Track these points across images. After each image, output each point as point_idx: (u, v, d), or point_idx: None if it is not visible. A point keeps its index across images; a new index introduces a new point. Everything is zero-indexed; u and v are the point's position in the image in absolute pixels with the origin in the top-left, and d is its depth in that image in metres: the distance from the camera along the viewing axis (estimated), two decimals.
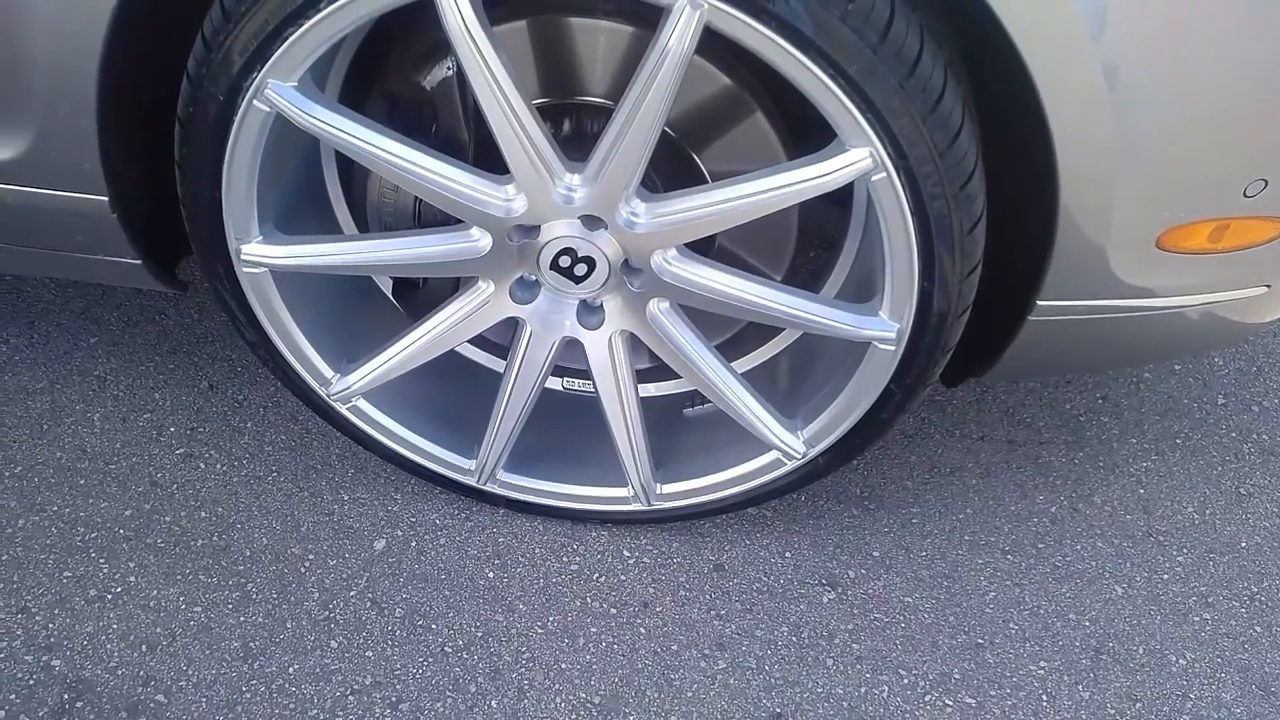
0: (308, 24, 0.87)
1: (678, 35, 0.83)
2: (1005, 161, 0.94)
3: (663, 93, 0.87)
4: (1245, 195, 0.93)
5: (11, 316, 1.39)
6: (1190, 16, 0.81)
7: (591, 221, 0.99)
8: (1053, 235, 0.95)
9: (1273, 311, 1.13)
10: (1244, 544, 1.25)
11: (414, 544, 1.18)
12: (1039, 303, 1.01)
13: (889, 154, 0.87)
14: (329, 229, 1.19)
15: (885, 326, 0.98)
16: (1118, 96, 0.85)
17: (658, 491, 1.16)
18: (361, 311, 1.23)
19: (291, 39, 0.88)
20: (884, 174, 0.88)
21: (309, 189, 1.15)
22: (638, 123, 0.89)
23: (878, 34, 0.81)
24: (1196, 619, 1.16)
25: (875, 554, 1.21)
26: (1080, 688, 1.09)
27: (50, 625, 1.07)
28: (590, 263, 1.01)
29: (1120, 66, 0.84)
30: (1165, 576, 1.20)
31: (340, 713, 1.02)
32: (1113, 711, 1.07)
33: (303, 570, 1.14)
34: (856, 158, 0.88)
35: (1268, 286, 1.05)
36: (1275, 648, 1.14)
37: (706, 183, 1.09)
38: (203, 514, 1.19)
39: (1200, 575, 1.20)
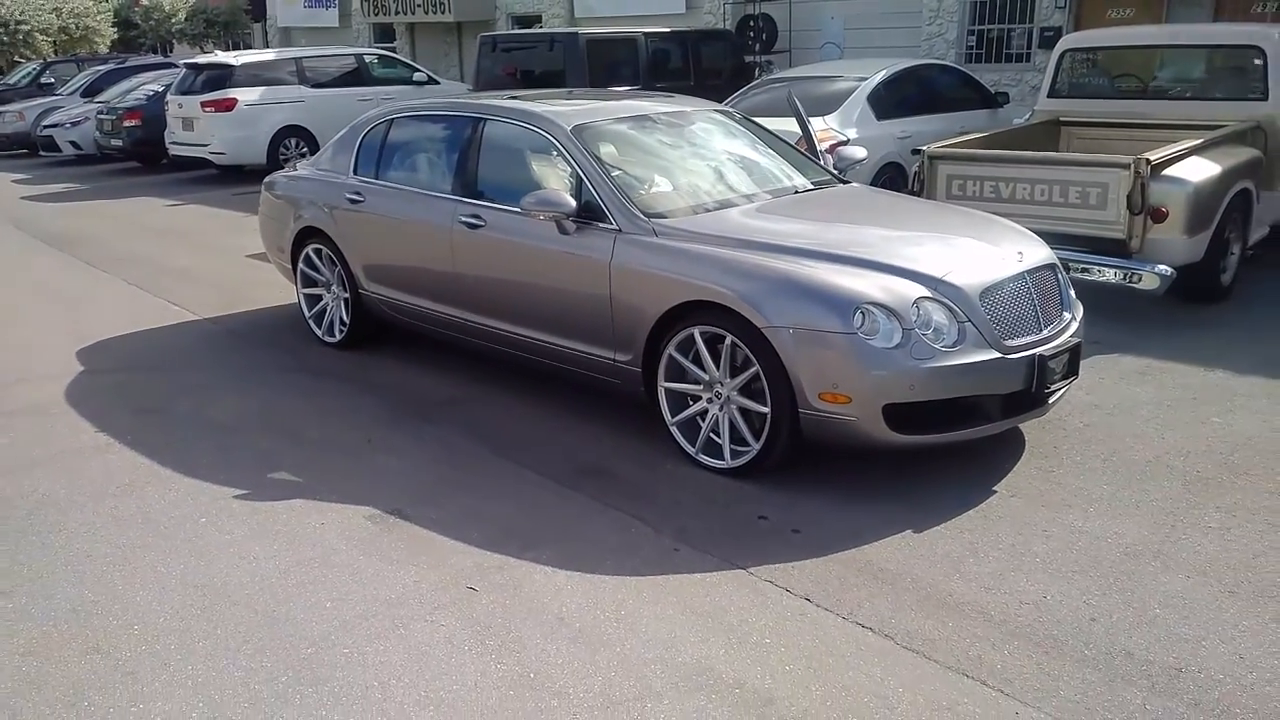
0: (672, 340, 4.68)
1: (728, 345, 4.49)
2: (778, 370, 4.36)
3: (728, 358, 4.53)
4: (834, 385, 4.26)
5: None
6: None
7: (722, 383, 4.61)
8: (790, 390, 4.34)
9: (869, 435, 4.29)
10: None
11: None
12: (800, 409, 4.36)
13: (763, 372, 4.41)
14: (681, 380, 4.83)
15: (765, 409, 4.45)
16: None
17: (707, 458, 4.64)
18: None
19: (670, 341, 4.68)
20: (761, 379, 4.41)
21: (683, 372, 4.86)
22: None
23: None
24: None
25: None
26: None
27: None
28: (720, 394, 4.63)
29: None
30: None
31: None
32: None
33: None
34: (754, 374, 4.43)
35: (855, 419, 4.27)
36: None
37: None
38: None
39: None
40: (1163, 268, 6.42)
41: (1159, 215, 6.45)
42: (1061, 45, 8.68)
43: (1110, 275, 6.56)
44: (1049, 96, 8.69)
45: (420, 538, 4.11)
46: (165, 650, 3.37)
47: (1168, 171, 6.52)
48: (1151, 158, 6.42)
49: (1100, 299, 6.95)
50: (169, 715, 3.05)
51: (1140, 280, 6.47)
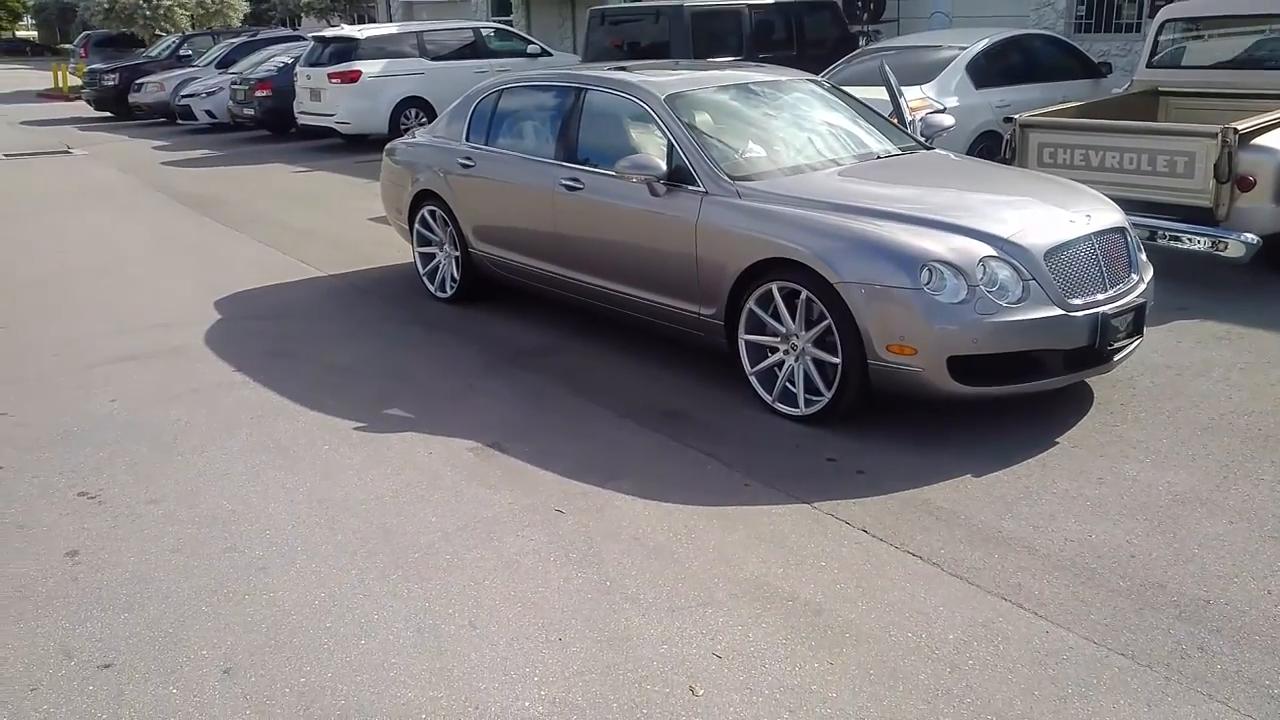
0: (752, 294, 5.03)
1: (804, 300, 4.82)
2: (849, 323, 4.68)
3: (803, 312, 4.86)
4: (901, 338, 4.55)
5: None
6: None
7: (798, 336, 4.94)
8: (860, 342, 4.64)
9: (933, 385, 4.58)
10: None
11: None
12: (868, 360, 4.67)
13: (835, 325, 4.72)
14: (760, 333, 5.19)
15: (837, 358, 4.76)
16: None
17: (783, 405, 4.96)
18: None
19: (750, 296, 5.03)
20: (834, 332, 4.72)
21: (762, 325, 5.21)
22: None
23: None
24: None
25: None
26: None
27: None
28: (796, 346, 4.95)
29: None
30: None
31: None
32: None
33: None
34: (826, 327, 4.74)
35: (920, 369, 4.56)
36: None
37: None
38: None
39: None
40: (1249, 236, 6.49)
41: (1246, 184, 6.52)
42: (1162, 15, 8.68)
43: (1196, 244, 6.66)
44: (1148, 66, 8.70)
45: (514, 467, 4.54)
46: (293, 551, 3.87)
47: (1256, 141, 6.57)
48: (1239, 127, 6.48)
49: (1191, 267, 7.07)
50: (295, 601, 3.53)
51: (1226, 248, 6.55)
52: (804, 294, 4.79)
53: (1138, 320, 4.89)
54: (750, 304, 5.03)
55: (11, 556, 3.90)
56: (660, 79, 5.95)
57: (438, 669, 3.15)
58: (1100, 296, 4.74)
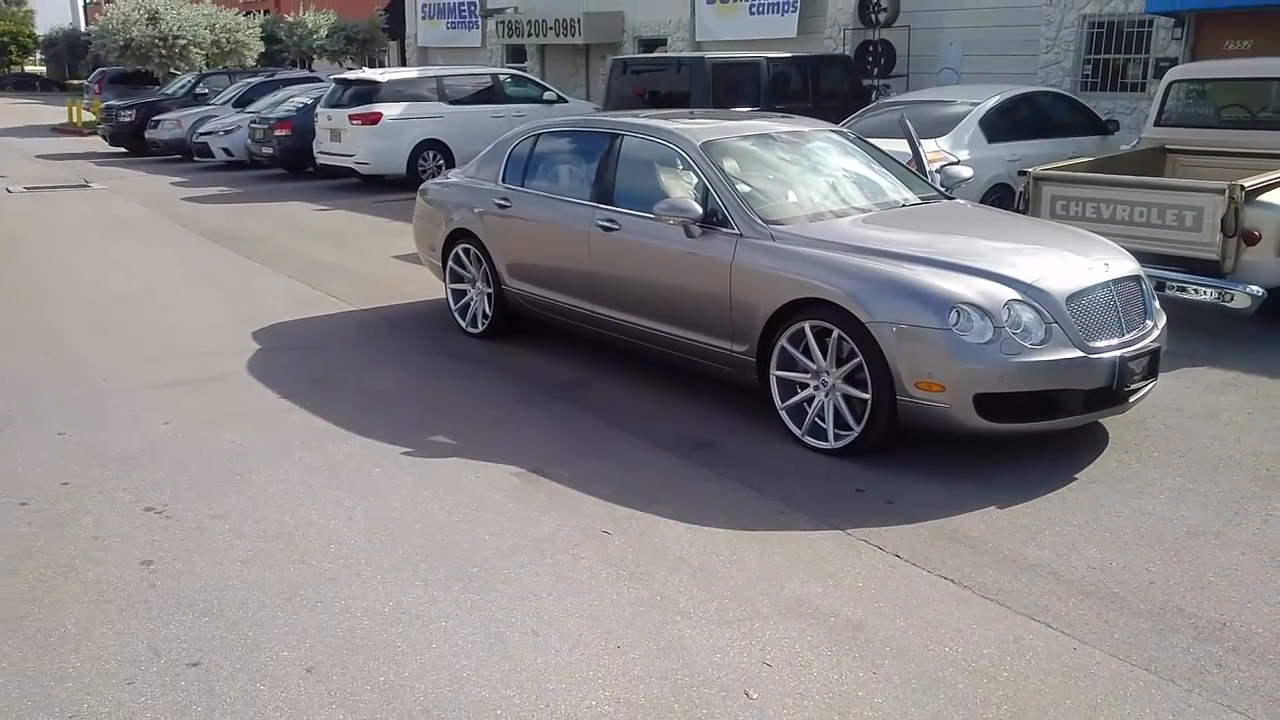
0: (785, 332, 5.28)
1: (835, 338, 5.07)
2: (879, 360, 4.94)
3: (834, 350, 5.11)
4: (930, 375, 4.79)
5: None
6: None
7: (829, 372, 5.18)
8: (890, 379, 4.89)
9: (960, 421, 4.82)
10: None
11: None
12: (898, 397, 4.91)
13: (866, 362, 4.97)
14: (791, 369, 5.47)
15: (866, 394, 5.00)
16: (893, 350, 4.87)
17: (812, 439, 5.20)
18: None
19: (783, 334, 5.28)
20: (864, 369, 4.97)
21: (793, 362, 5.46)
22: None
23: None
24: None
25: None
26: None
27: None
28: (826, 381, 5.20)
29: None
30: None
31: None
32: None
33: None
34: (857, 364, 4.99)
35: (948, 406, 4.80)
36: None
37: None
38: None
39: None
40: (1254, 288, 6.77)
41: (1252, 239, 6.80)
42: (1169, 76, 9.04)
43: (1204, 294, 6.93)
44: (1156, 125, 9.04)
45: (558, 491, 4.77)
46: (358, 563, 4.08)
47: (1262, 197, 6.86)
48: (1246, 183, 6.78)
49: (1197, 317, 7.32)
50: (365, 609, 3.74)
51: (1232, 300, 6.83)
52: (835, 332, 5.04)
53: (1152, 364, 5.14)
54: (782, 341, 5.27)
55: (90, 564, 4.10)
56: (694, 126, 6.24)
57: (506, 671, 3.36)
58: (1117, 340, 4.99)
